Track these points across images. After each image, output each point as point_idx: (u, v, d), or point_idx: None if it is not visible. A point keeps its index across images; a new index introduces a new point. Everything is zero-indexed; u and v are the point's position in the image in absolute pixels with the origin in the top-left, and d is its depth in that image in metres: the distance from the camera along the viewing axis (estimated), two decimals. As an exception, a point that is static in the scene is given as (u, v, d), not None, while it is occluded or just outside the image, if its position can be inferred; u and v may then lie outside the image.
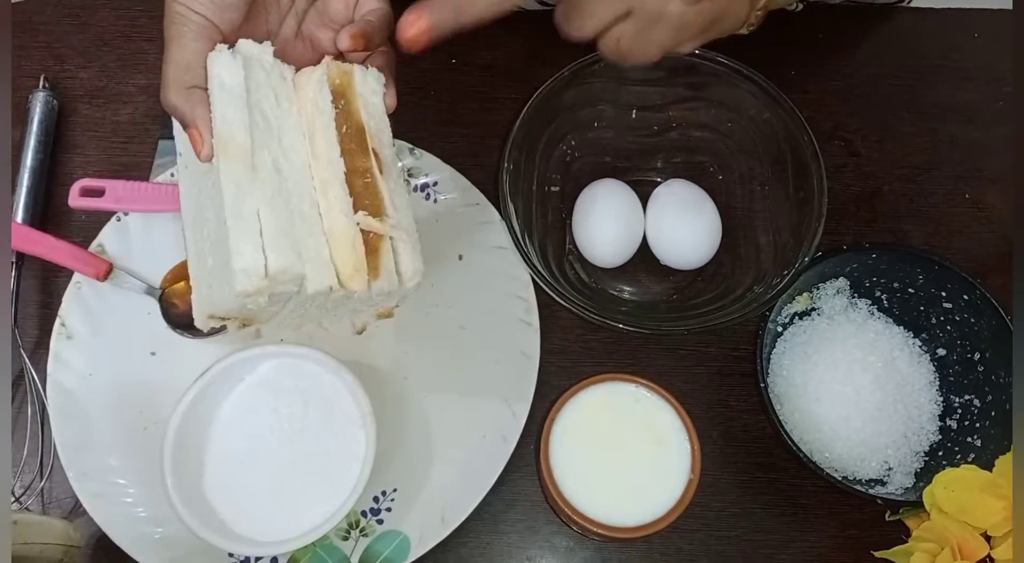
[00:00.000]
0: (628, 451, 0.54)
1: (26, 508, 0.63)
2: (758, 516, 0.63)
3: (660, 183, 0.68)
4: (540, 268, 0.60)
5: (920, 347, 0.64)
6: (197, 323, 0.54)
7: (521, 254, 0.59)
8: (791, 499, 0.63)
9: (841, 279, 0.64)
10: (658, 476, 0.53)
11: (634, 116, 0.68)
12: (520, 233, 0.60)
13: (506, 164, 0.61)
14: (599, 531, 0.52)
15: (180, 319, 0.66)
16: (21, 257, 0.69)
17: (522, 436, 0.62)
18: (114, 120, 0.75)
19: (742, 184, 0.67)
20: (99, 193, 0.67)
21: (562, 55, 0.66)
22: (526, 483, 0.64)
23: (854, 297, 0.65)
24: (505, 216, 0.60)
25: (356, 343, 0.66)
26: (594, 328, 0.67)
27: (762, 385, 0.58)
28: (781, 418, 0.58)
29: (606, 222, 0.65)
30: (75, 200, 0.66)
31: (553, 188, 0.68)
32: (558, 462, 0.54)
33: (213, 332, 0.65)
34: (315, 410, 0.62)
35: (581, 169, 0.69)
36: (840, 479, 0.57)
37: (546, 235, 0.66)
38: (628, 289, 0.68)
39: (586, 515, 0.52)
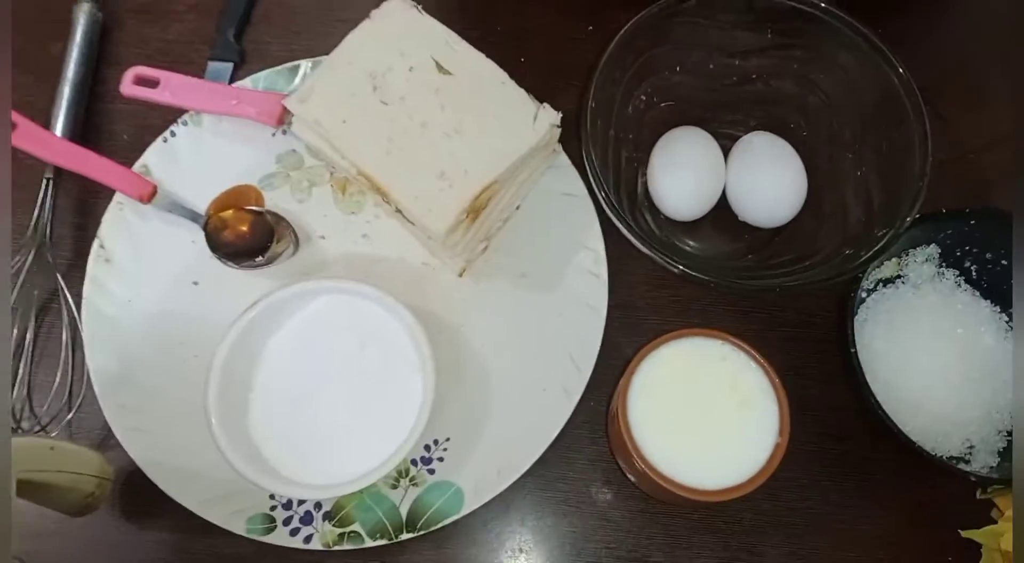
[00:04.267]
0: (711, 412, 0.51)
1: (51, 436, 0.60)
2: (828, 488, 0.60)
3: (740, 136, 0.64)
4: (624, 216, 0.56)
5: (1007, 322, 0.61)
6: (438, 229, 0.55)
7: (603, 200, 0.56)
8: (865, 472, 0.60)
9: (932, 246, 0.61)
10: (743, 439, 0.50)
11: (717, 63, 0.64)
12: (599, 179, 0.56)
13: (591, 103, 0.57)
14: (680, 493, 0.49)
15: (226, 248, 0.62)
16: (58, 173, 0.65)
17: (584, 392, 0.59)
18: (162, 38, 0.71)
19: (830, 142, 0.63)
20: (153, 84, 0.63)
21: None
22: (584, 441, 0.60)
23: (942, 266, 0.61)
24: (587, 161, 0.57)
25: (412, 285, 0.62)
26: (661, 284, 0.64)
27: (852, 350, 0.55)
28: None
29: (687, 171, 0.61)
30: (128, 88, 0.63)
31: (628, 135, 0.64)
32: (636, 418, 0.50)
33: (260, 264, 0.62)
34: (371, 351, 0.58)
35: (657, 117, 0.65)
36: (929, 452, 0.54)
37: (619, 183, 0.62)
38: (698, 245, 0.64)
39: (667, 476, 0.49)
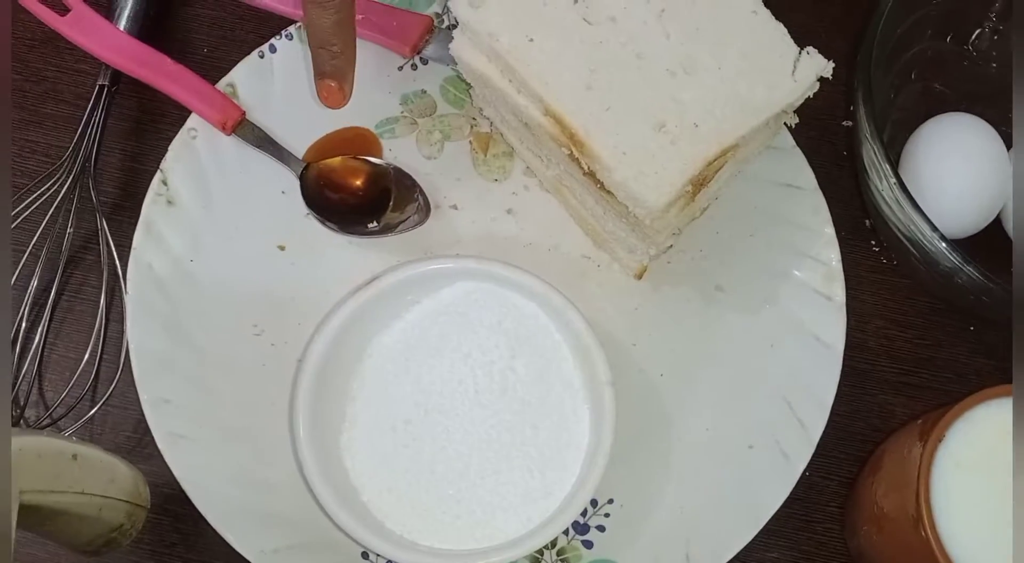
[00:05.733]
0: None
1: (68, 436, 0.43)
2: None
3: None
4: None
5: None
6: (654, 202, 0.39)
7: (890, 199, 0.40)
8: None
9: None
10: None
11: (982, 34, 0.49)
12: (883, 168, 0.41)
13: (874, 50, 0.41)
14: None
15: (329, 206, 0.46)
16: (116, 80, 0.49)
17: (814, 460, 0.43)
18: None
19: None
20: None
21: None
22: (795, 522, 0.44)
23: None
24: (867, 143, 0.41)
25: (567, 283, 0.45)
26: (903, 322, 0.48)
27: None
28: None
29: (968, 171, 0.45)
30: None
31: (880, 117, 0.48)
32: (944, 516, 0.34)
33: (372, 231, 0.46)
34: (524, 365, 0.42)
35: (909, 99, 0.50)
36: None
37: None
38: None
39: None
